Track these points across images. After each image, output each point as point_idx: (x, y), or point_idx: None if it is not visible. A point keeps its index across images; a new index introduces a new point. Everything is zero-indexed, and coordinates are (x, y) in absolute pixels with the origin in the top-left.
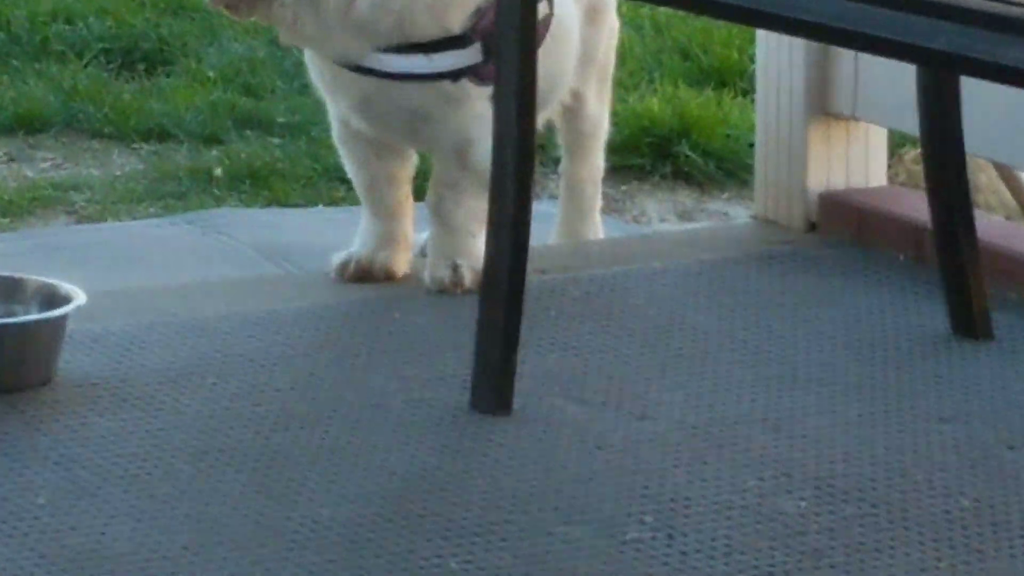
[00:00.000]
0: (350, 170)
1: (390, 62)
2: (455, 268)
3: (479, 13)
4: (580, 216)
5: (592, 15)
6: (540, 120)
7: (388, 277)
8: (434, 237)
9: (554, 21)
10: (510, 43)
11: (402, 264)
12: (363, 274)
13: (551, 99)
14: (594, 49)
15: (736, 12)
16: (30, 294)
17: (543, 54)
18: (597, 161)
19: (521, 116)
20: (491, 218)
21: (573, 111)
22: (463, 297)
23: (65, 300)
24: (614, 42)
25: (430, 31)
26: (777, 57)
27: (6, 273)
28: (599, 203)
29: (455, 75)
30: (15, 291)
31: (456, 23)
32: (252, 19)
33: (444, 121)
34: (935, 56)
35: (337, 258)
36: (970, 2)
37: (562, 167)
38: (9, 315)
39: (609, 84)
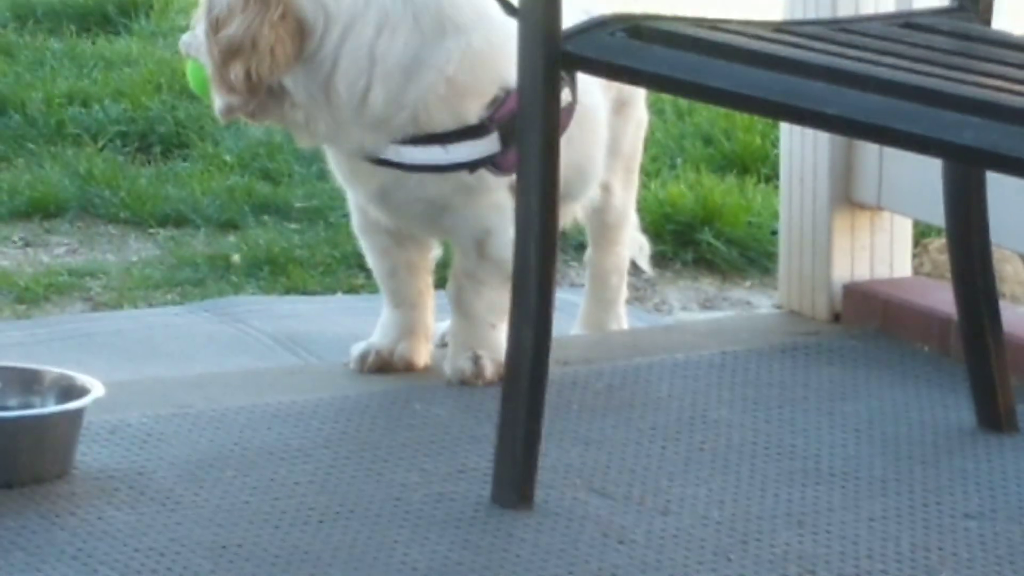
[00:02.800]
0: (370, 259)
1: (406, 154)
2: (476, 359)
3: (496, 103)
4: (604, 307)
5: (619, 107)
6: (570, 212)
7: (408, 368)
8: (454, 328)
9: (580, 110)
10: (532, 134)
11: (422, 355)
12: (383, 365)
13: (579, 190)
14: (621, 140)
15: (762, 106)
16: (47, 386)
17: (567, 143)
18: (622, 251)
19: (543, 208)
20: (513, 311)
21: (599, 202)
22: (484, 389)
23: (83, 392)
24: (642, 134)
25: (446, 122)
26: (801, 147)
27: (23, 364)
28: (623, 294)
29: (472, 165)
30: (32, 383)
31: (472, 113)
32: (267, 122)
33: (462, 211)
34: (963, 151)
35: (356, 349)
36: (997, 96)
37: (587, 257)
38: (26, 407)
39: (636, 176)
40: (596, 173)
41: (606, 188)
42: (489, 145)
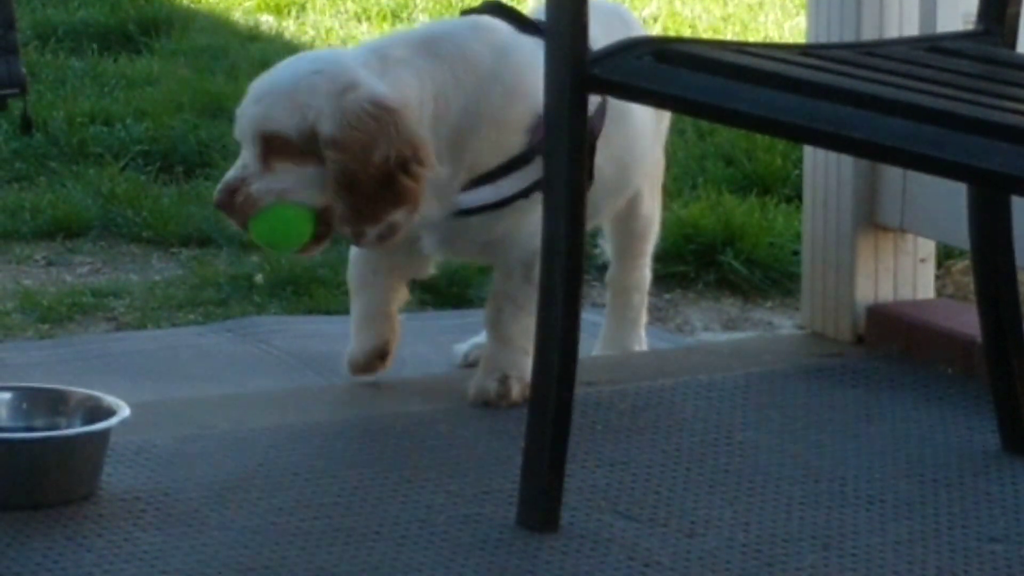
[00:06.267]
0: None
1: (465, 200)
2: (503, 380)
3: (531, 130)
4: (626, 327)
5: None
6: (611, 207)
7: (382, 357)
8: (487, 350)
9: (614, 105)
10: (559, 156)
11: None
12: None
13: (620, 184)
14: (656, 144)
15: (790, 130)
16: (73, 407)
17: (605, 142)
18: (645, 268)
19: (570, 231)
20: (539, 333)
21: (627, 210)
22: (509, 411)
23: (109, 413)
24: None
25: (493, 161)
26: (825, 168)
27: (50, 386)
28: (644, 313)
29: (524, 194)
30: (59, 403)
31: (515, 145)
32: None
33: (514, 234)
34: (991, 177)
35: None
36: None
37: (609, 275)
38: (53, 428)
39: (660, 181)
40: (637, 166)
41: (635, 193)
42: (536, 171)
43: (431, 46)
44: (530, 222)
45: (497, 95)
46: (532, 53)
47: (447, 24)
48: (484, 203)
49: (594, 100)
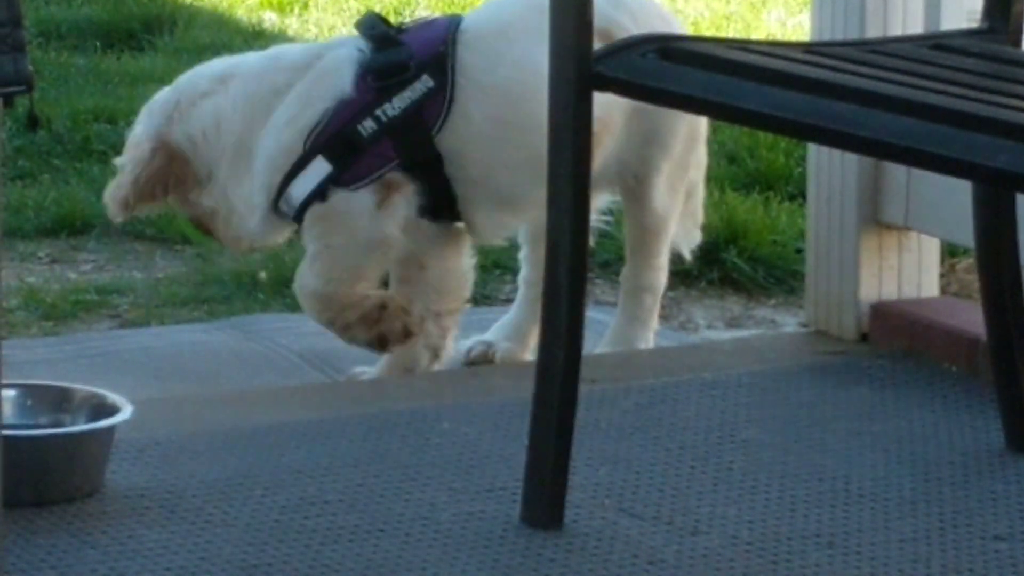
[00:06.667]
0: None
1: (290, 203)
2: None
3: (314, 130)
4: (635, 326)
5: None
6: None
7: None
8: None
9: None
10: (563, 154)
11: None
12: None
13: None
14: (664, 132)
15: (795, 128)
16: (77, 404)
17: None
18: (659, 271)
19: (574, 228)
20: (544, 331)
21: (637, 201)
22: (513, 407)
23: (112, 410)
24: (700, 143)
25: (276, 175)
26: (829, 166)
27: (54, 383)
28: (656, 315)
29: (317, 194)
30: (63, 401)
31: (294, 151)
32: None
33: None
34: (997, 175)
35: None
36: None
37: (624, 274)
38: (57, 425)
39: (682, 184)
40: None
41: (645, 184)
42: (318, 170)
43: (225, 79)
44: (357, 227)
45: (274, 126)
46: (321, 76)
47: (246, 58)
48: (298, 205)
49: (420, 87)
